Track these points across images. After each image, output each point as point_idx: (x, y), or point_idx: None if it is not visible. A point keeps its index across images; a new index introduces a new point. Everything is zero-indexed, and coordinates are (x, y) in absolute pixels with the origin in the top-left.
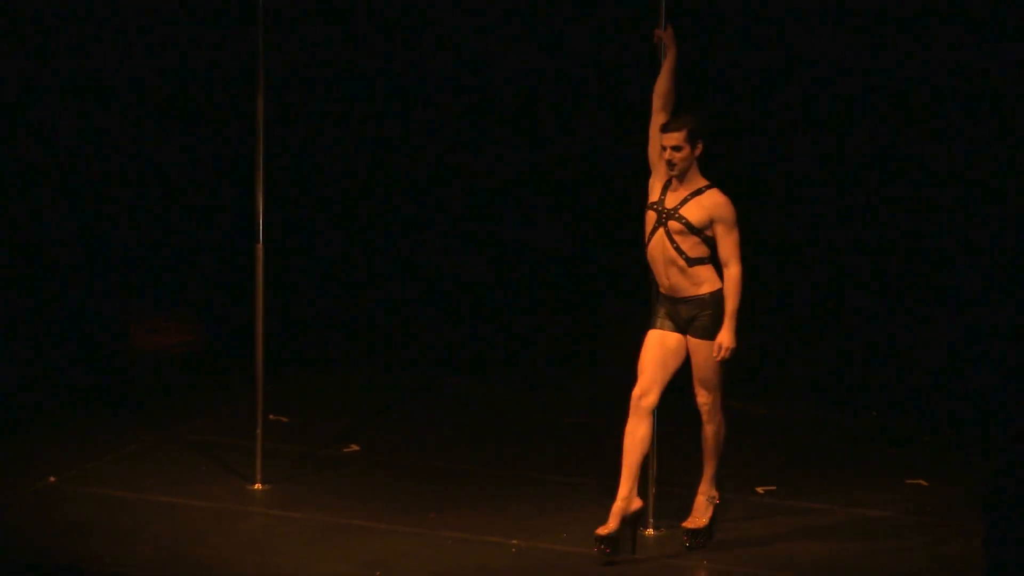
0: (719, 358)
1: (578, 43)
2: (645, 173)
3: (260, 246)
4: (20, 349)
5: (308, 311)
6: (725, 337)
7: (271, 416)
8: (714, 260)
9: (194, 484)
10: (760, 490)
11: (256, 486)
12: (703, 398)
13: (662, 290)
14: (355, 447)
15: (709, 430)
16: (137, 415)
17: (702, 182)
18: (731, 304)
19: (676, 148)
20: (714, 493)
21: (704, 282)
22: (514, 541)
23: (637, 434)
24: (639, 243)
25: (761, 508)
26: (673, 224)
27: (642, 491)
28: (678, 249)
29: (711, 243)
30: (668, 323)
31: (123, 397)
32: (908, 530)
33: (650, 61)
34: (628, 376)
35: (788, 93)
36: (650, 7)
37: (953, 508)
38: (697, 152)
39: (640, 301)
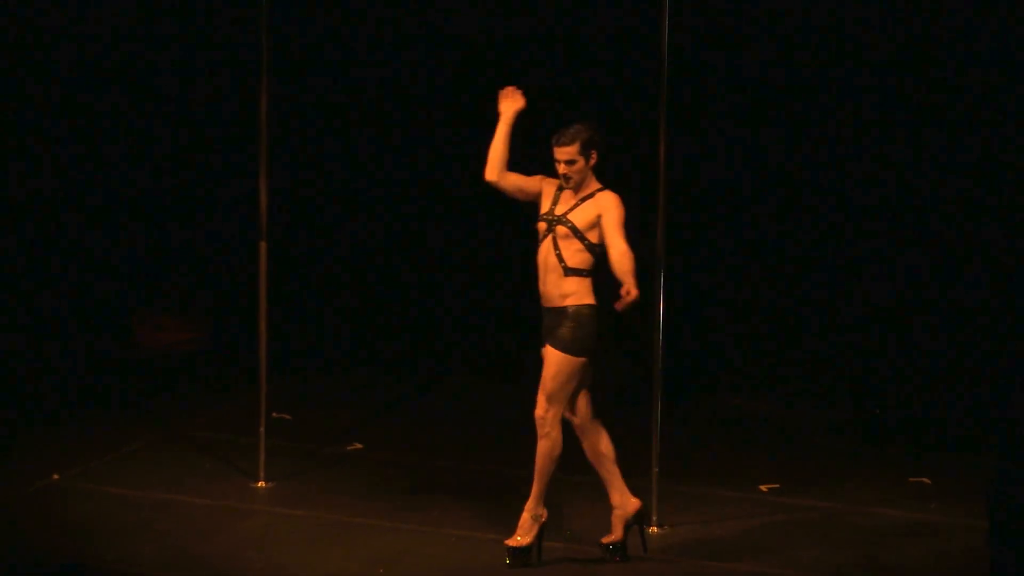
0: (625, 302)
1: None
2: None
3: (264, 244)
4: (24, 346)
5: (311, 309)
6: (631, 285)
7: (274, 414)
8: (591, 275)
9: (198, 482)
10: (763, 488)
11: (260, 484)
12: (540, 409)
13: (542, 300)
14: (358, 445)
15: (543, 445)
16: (141, 413)
17: (595, 187)
18: (627, 267)
19: (570, 162)
20: (540, 511)
21: (571, 295)
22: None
23: (599, 448)
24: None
25: (764, 506)
26: (560, 228)
27: (646, 489)
28: (559, 256)
29: (592, 254)
30: (544, 337)
31: (127, 395)
32: (911, 528)
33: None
34: (632, 374)
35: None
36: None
37: (957, 506)
38: (592, 162)
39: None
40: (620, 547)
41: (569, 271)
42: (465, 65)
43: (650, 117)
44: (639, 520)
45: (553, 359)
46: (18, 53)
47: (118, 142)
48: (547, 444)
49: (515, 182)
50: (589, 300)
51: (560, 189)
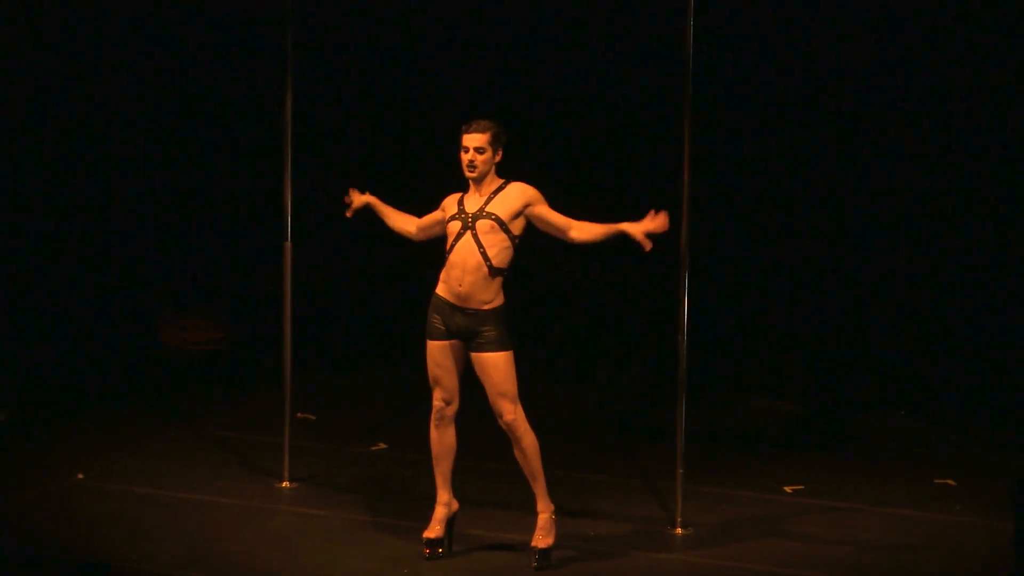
0: (661, 225)
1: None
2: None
3: (288, 244)
4: (49, 346)
5: (335, 309)
6: (633, 225)
7: (299, 414)
8: (508, 274)
9: (222, 481)
10: (788, 489)
11: (284, 484)
12: (509, 414)
13: (448, 297)
14: (382, 445)
15: (527, 444)
16: (165, 412)
17: (500, 180)
18: (599, 227)
19: (479, 150)
20: (552, 507)
21: (495, 298)
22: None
23: (446, 442)
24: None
25: (789, 507)
26: (482, 224)
27: (670, 490)
28: (484, 255)
29: (513, 250)
30: (443, 330)
31: (151, 394)
32: (936, 529)
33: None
34: (644, 374)
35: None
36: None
37: (981, 507)
38: (497, 158)
39: (663, 300)
40: (440, 542)
41: (495, 271)
42: (484, 69)
43: (675, 133)
44: (454, 522)
45: (497, 362)
46: (43, 52)
47: (139, 143)
48: (529, 441)
49: (428, 223)
50: (503, 300)
51: (462, 197)
